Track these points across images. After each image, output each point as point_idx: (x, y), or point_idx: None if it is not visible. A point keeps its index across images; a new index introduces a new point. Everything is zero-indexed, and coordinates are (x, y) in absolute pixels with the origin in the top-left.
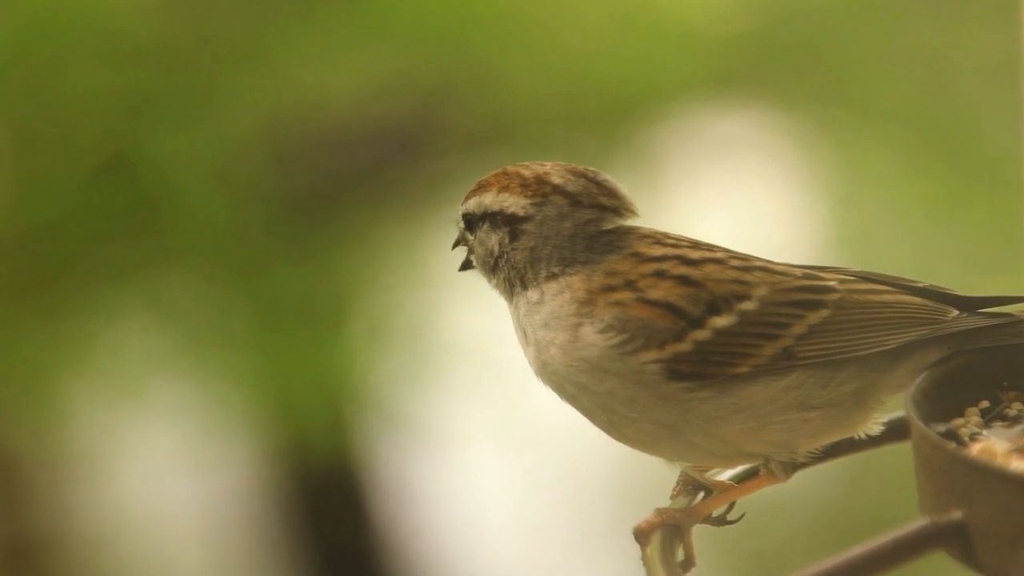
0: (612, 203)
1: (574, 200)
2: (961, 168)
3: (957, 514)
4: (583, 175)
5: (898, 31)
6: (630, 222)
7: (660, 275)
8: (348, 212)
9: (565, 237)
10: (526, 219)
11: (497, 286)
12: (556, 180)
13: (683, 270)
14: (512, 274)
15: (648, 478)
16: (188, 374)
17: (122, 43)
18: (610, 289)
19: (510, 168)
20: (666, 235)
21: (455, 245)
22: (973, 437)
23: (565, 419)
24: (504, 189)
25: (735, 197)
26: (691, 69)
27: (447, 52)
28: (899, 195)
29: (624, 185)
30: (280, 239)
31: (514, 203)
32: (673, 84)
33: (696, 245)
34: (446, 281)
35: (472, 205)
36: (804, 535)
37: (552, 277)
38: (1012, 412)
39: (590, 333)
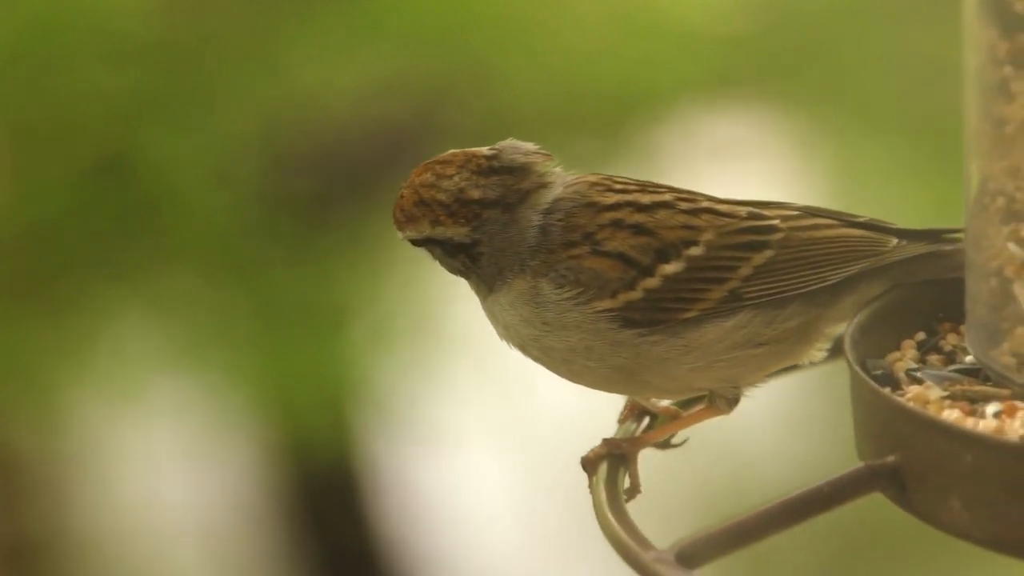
0: (534, 179)
1: (503, 205)
2: (959, 169)
3: (892, 459)
4: (491, 171)
5: (899, 33)
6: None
7: (617, 224)
8: (348, 212)
9: (518, 239)
10: (474, 243)
11: (472, 287)
12: (475, 195)
13: (638, 218)
14: (484, 281)
15: (649, 479)
16: (188, 374)
17: (122, 43)
18: (571, 244)
19: (420, 188)
20: (612, 179)
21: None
22: (909, 374)
23: (566, 417)
24: (436, 223)
25: (735, 198)
26: (692, 70)
27: (447, 52)
28: (899, 197)
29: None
30: (280, 239)
31: (454, 233)
32: (673, 85)
33: (643, 187)
34: (446, 280)
35: (412, 233)
36: (803, 536)
37: (523, 268)
38: (947, 346)
39: (546, 289)
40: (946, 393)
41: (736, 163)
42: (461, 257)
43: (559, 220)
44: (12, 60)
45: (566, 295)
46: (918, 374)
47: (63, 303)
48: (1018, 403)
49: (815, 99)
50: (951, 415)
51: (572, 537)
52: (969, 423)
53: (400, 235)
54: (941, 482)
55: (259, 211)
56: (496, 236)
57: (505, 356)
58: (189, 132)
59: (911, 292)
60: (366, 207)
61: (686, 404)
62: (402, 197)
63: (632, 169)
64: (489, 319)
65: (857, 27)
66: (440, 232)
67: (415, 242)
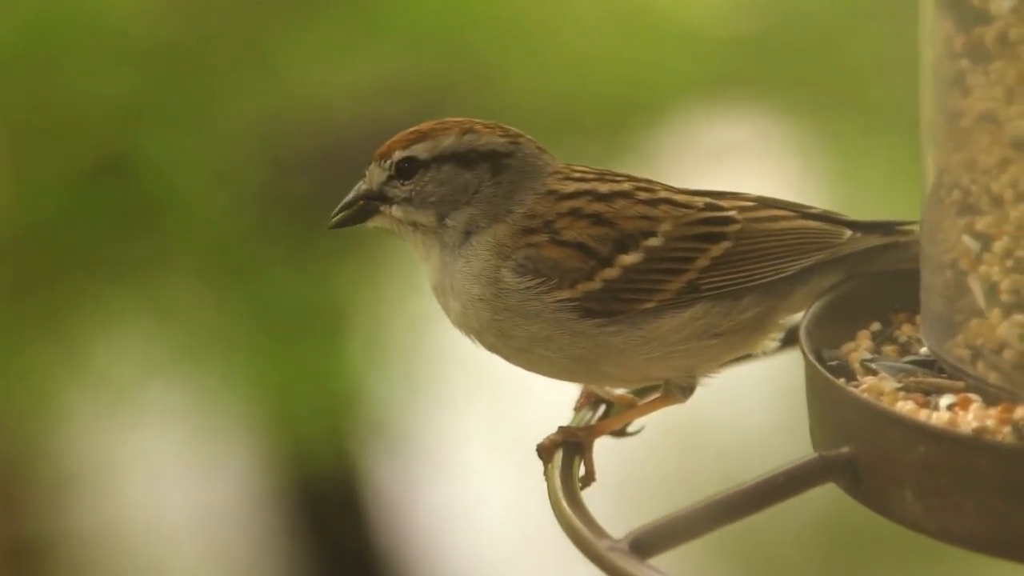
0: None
1: (537, 144)
2: None
3: (846, 449)
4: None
5: (899, 35)
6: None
7: (575, 213)
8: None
9: (534, 176)
10: (508, 155)
11: (446, 230)
12: (513, 128)
13: (596, 207)
14: (483, 211)
15: (648, 492)
16: (186, 377)
17: (122, 44)
18: (530, 231)
19: (445, 120)
20: (572, 167)
21: (353, 203)
22: (864, 364)
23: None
24: (469, 131)
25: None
26: (692, 72)
27: (447, 53)
28: (898, 199)
29: None
30: (279, 241)
31: (491, 141)
32: (673, 87)
33: (602, 176)
34: None
35: (420, 149)
36: (802, 537)
37: (499, 223)
38: (902, 337)
39: (508, 276)
40: (900, 385)
41: (736, 165)
42: (479, 170)
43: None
44: (12, 61)
45: (527, 284)
46: (873, 365)
47: (62, 304)
48: (971, 396)
49: (815, 101)
50: (905, 407)
51: (568, 546)
52: (923, 415)
53: (393, 157)
54: (894, 473)
55: (258, 213)
56: (528, 159)
57: (502, 364)
58: (189, 133)
59: (866, 283)
60: None
61: (641, 392)
62: (409, 131)
63: (632, 171)
64: (441, 302)
65: (857, 29)
66: (471, 140)
67: (403, 167)
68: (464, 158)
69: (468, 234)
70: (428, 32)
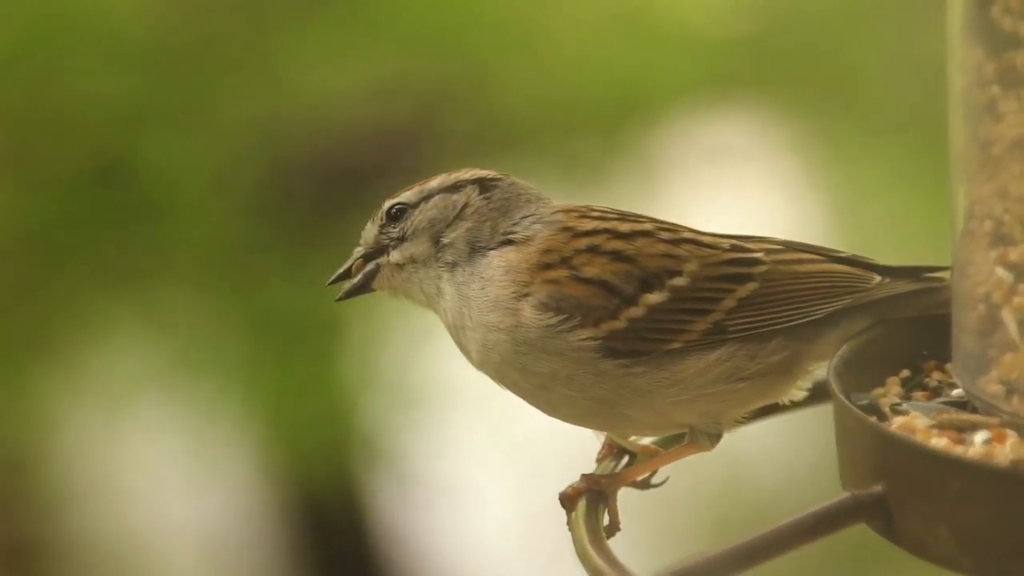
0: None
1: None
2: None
3: (878, 488)
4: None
5: (897, 36)
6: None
7: (593, 250)
8: (346, 221)
9: (529, 199)
10: (495, 179)
11: (445, 250)
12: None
13: (615, 244)
14: (477, 223)
15: (649, 512)
16: (181, 388)
17: (120, 47)
18: (547, 267)
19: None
20: (590, 207)
21: (355, 266)
22: (894, 408)
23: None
24: (453, 174)
25: (733, 202)
26: (690, 73)
27: (445, 56)
28: (896, 200)
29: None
30: (277, 249)
31: (477, 172)
32: (671, 88)
33: (623, 216)
34: None
35: (407, 195)
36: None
37: (506, 243)
38: (932, 382)
39: (529, 313)
40: (933, 422)
41: (734, 167)
42: (466, 191)
43: (536, 227)
44: (11, 63)
45: (549, 321)
46: (903, 407)
47: (57, 311)
48: (1007, 430)
49: (814, 103)
50: (939, 443)
51: (566, 558)
52: (958, 450)
53: (375, 218)
54: (928, 510)
55: (256, 219)
56: (513, 187)
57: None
58: (188, 135)
59: (895, 329)
60: (365, 213)
61: (665, 444)
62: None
63: (630, 173)
64: (460, 343)
65: (856, 30)
66: (458, 176)
67: (393, 213)
68: (451, 188)
69: (472, 251)
70: (426, 34)
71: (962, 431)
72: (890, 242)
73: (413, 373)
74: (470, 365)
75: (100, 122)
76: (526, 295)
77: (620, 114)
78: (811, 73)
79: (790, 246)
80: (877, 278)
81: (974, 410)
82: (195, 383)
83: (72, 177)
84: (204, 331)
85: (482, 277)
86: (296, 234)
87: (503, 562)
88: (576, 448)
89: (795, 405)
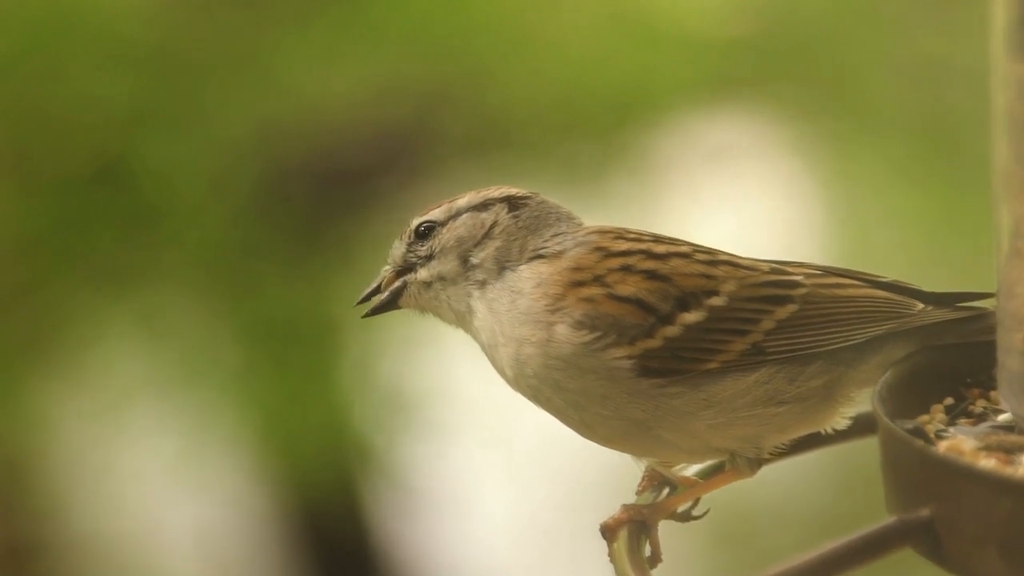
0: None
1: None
2: (958, 174)
3: (925, 512)
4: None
5: (896, 37)
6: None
7: (627, 269)
8: (344, 223)
9: (559, 217)
10: (524, 197)
11: (474, 270)
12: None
13: (650, 264)
14: (506, 242)
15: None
16: (177, 392)
17: (119, 49)
18: (579, 284)
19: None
20: (627, 230)
21: (385, 282)
22: (939, 434)
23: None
24: (483, 191)
25: (733, 202)
26: (689, 74)
27: (444, 58)
28: (897, 200)
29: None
30: (275, 252)
31: (506, 191)
32: (671, 89)
33: (659, 239)
34: None
35: (436, 213)
36: (798, 540)
37: (535, 258)
38: (976, 409)
39: (563, 330)
40: (981, 444)
41: (734, 167)
42: (495, 210)
43: (567, 246)
44: (10, 65)
45: (583, 339)
46: (948, 432)
47: (54, 314)
48: None
49: (813, 103)
50: (987, 464)
51: (567, 562)
52: (1007, 471)
53: (403, 237)
54: (977, 532)
55: (254, 223)
56: (542, 205)
57: (494, 383)
58: (186, 138)
59: (938, 355)
60: (363, 217)
61: (705, 476)
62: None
63: (630, 174)
64: (496, 363)
65: (855, 32)
66: (486, 194)
67: (421, 232)
68: (479, 206)
69: (502, 269)
70: (425, 36)
71: (1010, 452)
72: (889, 241)
73: (410, 379)
74: (463, 365)
75: (98, 124)
76: (559, 310)
77: (619, 115)
78: (811, 73)
79: (830, 271)
80: (919, 305)
81: (1021, 432)
82: (192, 387)
83: (70, 179)
84: (202, 335)
85: (512, 290)
86: (294, 236)
87: (499, 569)
88: (573, 457)
89: (839, 435)
